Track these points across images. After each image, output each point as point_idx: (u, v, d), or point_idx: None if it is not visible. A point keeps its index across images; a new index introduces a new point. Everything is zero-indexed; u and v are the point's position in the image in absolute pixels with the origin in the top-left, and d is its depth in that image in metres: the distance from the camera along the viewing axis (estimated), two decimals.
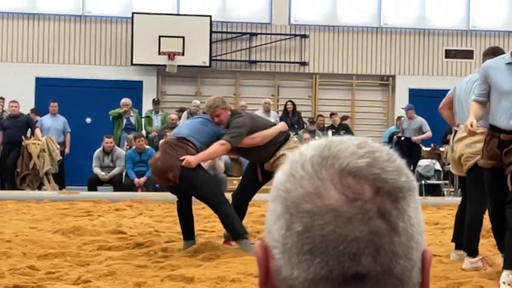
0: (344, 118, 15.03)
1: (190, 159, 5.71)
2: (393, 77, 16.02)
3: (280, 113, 15.17)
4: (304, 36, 15.75)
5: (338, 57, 15.87)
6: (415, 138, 13.52)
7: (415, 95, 15.61)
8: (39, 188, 12.37)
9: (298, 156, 0.75)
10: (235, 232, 5.80)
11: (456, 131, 5.59)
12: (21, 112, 13.10)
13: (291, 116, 14.90)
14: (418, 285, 0.73)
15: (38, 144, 12.60)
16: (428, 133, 13.53)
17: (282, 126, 6.35)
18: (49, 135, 13.04)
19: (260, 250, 0.74)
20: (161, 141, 6.15)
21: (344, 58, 15.88)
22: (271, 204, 0.74)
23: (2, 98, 13.49)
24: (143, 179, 12.29)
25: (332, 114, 15.01)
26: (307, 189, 0.71)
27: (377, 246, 0.70)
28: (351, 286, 0.70)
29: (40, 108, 14.04)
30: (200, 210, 7.97)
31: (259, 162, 6.21)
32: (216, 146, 5.86)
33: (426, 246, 0.75)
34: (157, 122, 14.38)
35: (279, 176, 0.75)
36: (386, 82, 16.08)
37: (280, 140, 6.13)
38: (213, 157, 5.81)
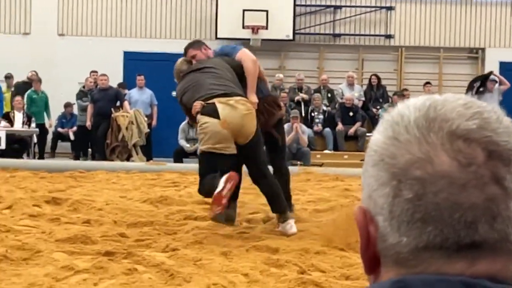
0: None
1: None
2: (483, 49, 15.52)
3: (364, 87, 15.00)
4: (390, 8, 15.45)
5: (425, 29, 15.49)
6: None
7: (506, 68, 15.08)
8: (128, 159, 12.75)
9: (399, 117, 0.71)
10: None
11: None
12: (111, 85, 13.49)
13: (376, 90, 14.70)
14: None
15: (127, 116, 12.96)
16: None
17: None
18: (137, 107, 13.38)
19: (361, 216, 0.72)
20: None
21: (431, 31, 15.48)
22: (372, 169, 0.71)
23: (95, 72, 13.92)
24: None
25: (426, 83, 14.68)
26: (416, 155, 0.68)
27: (494, 213, 0.67)
28: (466, 253, 0.68)
29: (128, 82, 14.41)
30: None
31: None
32: None
33: None
34: None
35: (378, 139, 0.72)
36: (475, 55, 15.60)
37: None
38: None
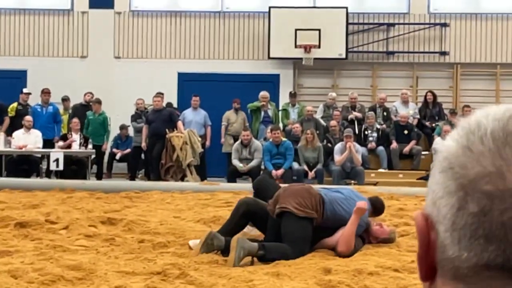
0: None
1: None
2: None
3: (419, 105, 14.80)
4: (444, 25, 15.27)
5: (481, 45, 15.24)
6: None
7: None
8: (182, 179, 12.87)
9: (476, 127, 0.68)
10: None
11: None
12: (164, 106, 13.66)
13: (431, 108, 14.49)
14: None
15: (181, 137, 13.11)
16: None
17: None
18: (191, 128, 13.52)
19: (422, 221, 0.69)
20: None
21: (488, 47, 15.22)
22: (439, 176, 0.68)
23: (161, 93, 13.97)
24: (280, 171, 12.45)
25: (465, 106, 14.34)
26: (488, 168, 0.64)
27: None
28: None
29: (183, 102, 14.59)
30: None
31: None
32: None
33: None
34: (293, 114, 14.50)
35: (451, 146, 0.69)
36: None
37: None
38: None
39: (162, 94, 13.87)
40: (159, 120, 13.22)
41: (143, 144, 13.51)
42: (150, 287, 4.39)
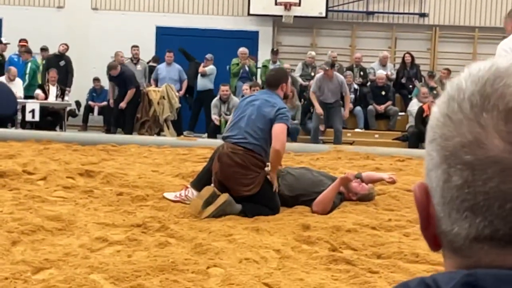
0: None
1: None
2: None
3: (397, 66, 14.84)
4: None
5: (460, 8, 15.25)
6: None
7: None
8: (159, 134, 12.83)
9: (456, 91, 0.65)
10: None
11: None
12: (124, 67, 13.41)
13: (409, 69, 14.54)
14: None
15: (158, 91, 13.02)
16: None
17: None
18: (165, 84, 13.41)
19: (420, 192, 0.67)
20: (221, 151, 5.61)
21: (467, 10, 15.24)
22: (428, 146, 0.67)
23: (136, 46, 13.88)
24: None
25: (445, 69, 14.47)
26: (466, 137, 0.62)
27: None
28: None
29: (161, 57, 14.45)
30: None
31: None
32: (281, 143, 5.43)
33: None
34: None
35: (435, 113, 0.66)
36: None
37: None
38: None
39: (137, 47, 13.69)
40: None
41: (111, 101, 13.41)
42: (131, 239, 4.42)
